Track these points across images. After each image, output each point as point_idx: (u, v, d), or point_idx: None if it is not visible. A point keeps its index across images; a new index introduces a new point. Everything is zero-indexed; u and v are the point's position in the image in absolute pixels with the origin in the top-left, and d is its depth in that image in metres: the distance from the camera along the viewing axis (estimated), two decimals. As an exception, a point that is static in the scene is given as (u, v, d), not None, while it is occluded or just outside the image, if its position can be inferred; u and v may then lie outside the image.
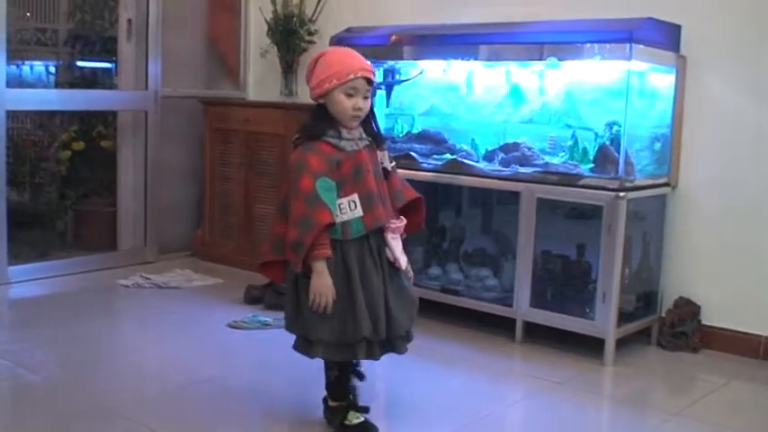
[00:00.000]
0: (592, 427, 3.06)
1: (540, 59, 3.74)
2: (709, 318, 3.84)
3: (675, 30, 3.79)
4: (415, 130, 4.45)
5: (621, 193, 3.53)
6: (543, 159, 3.88)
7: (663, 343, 3.85)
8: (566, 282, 3.79)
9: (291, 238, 2.51)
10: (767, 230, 3.69)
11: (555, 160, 3.86)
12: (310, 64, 2.64)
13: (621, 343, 3.68)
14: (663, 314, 3.90)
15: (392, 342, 2.65)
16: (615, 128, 3.69)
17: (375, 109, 2.72)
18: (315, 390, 2.93)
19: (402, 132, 4.50)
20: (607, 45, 3.56)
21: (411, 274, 2.77)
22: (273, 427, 2.88)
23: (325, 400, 2.81)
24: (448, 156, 4.13)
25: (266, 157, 4.98)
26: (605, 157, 3.69)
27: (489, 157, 4.05)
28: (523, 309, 3.81)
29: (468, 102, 4.29)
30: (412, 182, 4.11)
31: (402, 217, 2.73)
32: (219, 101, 5.36)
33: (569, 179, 3.70)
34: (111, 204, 5.32)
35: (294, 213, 2.51)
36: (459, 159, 4.06)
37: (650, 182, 3.79)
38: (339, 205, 2.55)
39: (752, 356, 3.72)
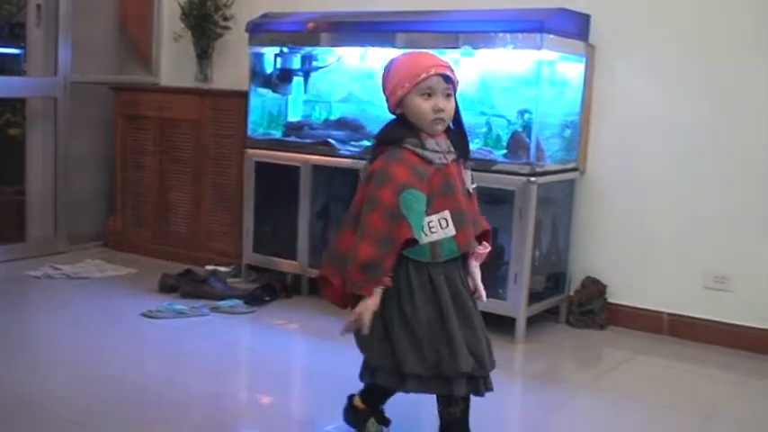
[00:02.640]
0: (504, 402, 3.16)
1: (456, 48, 3.84)
2: (615, 296, 4.02)
3: (585, 20, 3.95)
4: (332, 117, 4.50)
5: (532, 178, 3.66)
6: (459, 146, 3.97)
7: (571, 321, 4.02)
8: (481, 265, 3.89)
9: (364, 256, 2.20)
10: (668, 214, 3.89)
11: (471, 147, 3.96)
12: (382, 75, 2.36)
13: (532, 321, 3.83)
14: (571, 293, 4.07)
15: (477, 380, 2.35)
16: (527, 115, 3.82)
17: (459, 112, 2.37)
18: (230, 378, 2.96)
19: (320, 119, 4.54)
20: (519, 35, 3.68)
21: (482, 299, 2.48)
22: (189, 415, 2.86)
23: (350, 398, 2.63)
24: (366, 142, 4.19)
25: (181, 143, 4.95)
26: (517, 144, 3.82)
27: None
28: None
29: (384, 89, 4.35)
30: (331, 169, 4.22)
31: (486, 243, 2.45)
32: (131, 87, 5.29)
33: (483, 165, 3.80)
34: (20, 193, 5.19)
35: (370, 228, 2.21)
36: (376, 146, 4.12)
37: (560, 167, 3.94)
38: (428, 223, 2.25)
39: (655, 332, 3.92)
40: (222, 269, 4.54)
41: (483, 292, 2.44)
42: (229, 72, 5.06)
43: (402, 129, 2.30)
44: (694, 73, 3.80)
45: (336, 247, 2.35)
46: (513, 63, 3.91)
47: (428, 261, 2.27)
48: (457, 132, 2.36)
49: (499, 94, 4.01)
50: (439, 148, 2.29)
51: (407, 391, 2.33)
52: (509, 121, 3.93)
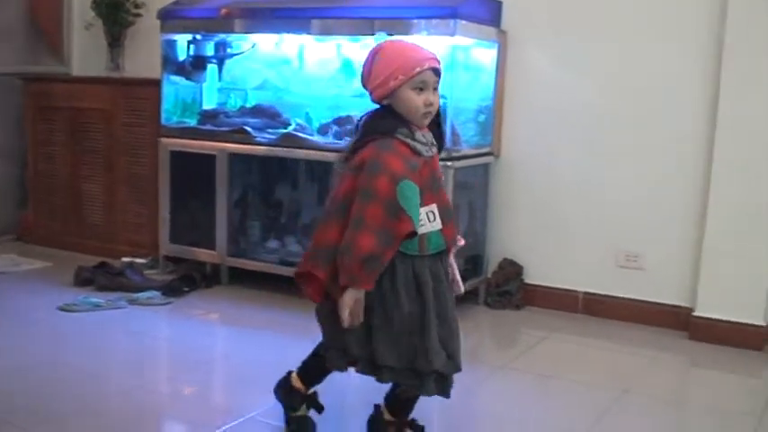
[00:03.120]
0: (427, 383, 3.22)
1: (371, 34, 3.85)
2: (532, 277, 4.12)
3: (497, 6, 4.01)
4: (248, 105, 4.47)
5: (449, 163, 3.70)
6: (375, 131, 3.99)
7: (489, 302, 4.10)
8: (399, 249, 3.94)
9: (365, 250, 2.11)
10: (581, 195, 3.99)
11: (386, 132, 3.98)
12: (366, 63, 2.28)
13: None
14: (489, 275, 4.14)
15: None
16: (442, 101, 3.83)
17: (440, 106, 2.34)
18: (150, 370, 2.92)
19: (235, 107, 4.50)
20: (433, 20, 3.72)
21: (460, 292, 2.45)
22: (109, 407, 2.83)
23: (288, 374, 2.57)
24: (282, 130, 4.18)
25: (93, 134, 4.85)
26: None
27: (323, 130, 4.13)
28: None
29: (301, 76, 4.35)
30: (248, 156, 4.20)
31: (459, 236, 2.42)
32: (41, 77, 5.16)
33: (400, 150, 3.84)
34: (-75, 188, 5.03)
35: (368, 220, 2.12)
36: (294, 133, 4.12)
37: (475, 152, 4.00)
38: None
39: (571, 311, 4.03)
40: (139, 261, 4.48)
41: (462, 285, 2.42)
42: (142, 60, 4.97)
43: (391, 119, 2.23)
44: (605, 58, 3.90)
45: (320, 240, 2.24)
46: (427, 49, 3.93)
47: (414, 254, 2.23)
48: (437, 126, 2.34)
49: (414, 80, 4.03)
50: (424, 141, 2.26)
51: (382, 381, 2.29)
52: (425, 107, 3.96)
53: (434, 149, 2.30)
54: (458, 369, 2.30)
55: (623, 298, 3.94)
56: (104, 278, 4.16)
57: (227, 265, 4.31)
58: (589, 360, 3.48)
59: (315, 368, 2.50)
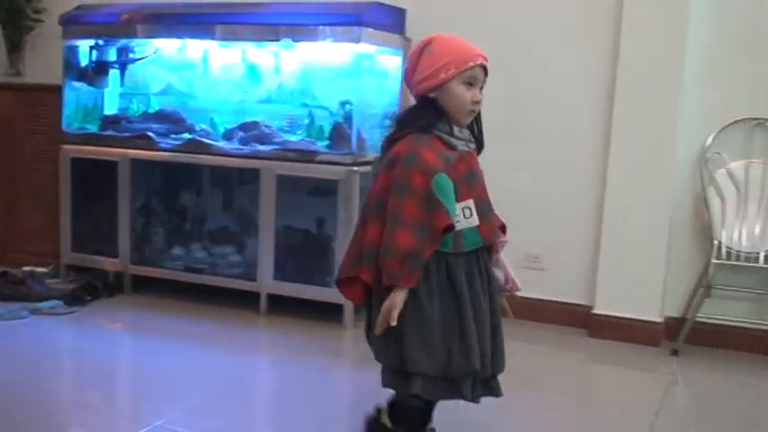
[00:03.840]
0: (334, 386, 3.26)
1: (276, 41, 3.87)
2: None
3: (400, 13, 4.08)
4: (151, 110, 4.42)
5: (355, 168, 3.75)
6: (282, 137, 4.02)
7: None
8: (307, 254, 3.96)
9: (403, 246, 2.02)
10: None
11: (293, 138, 4.01)
12: (413, 55, 2.20)
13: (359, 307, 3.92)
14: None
15: (489, 382, 2.22)
16: (348, 106, 3.90)
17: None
18: (54, 379, 2.86)
19: (138, 112, 4.44)
20: (338, 28, 3.76)
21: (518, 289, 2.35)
22: (13, 418, 2.75)
23: (377, 412, 2.38)
24: (186, 135, 4.15)
25: (-9, 140, 4.72)
26: (340, 135, 3.90)
27: (229, 135, 4.12)
28: (267, 282, 3.94)
29: (205, 81, 4.33)
30: (151, 163, 4.15)
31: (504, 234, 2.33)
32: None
33: (307, 156, 3.87)
34: None
35: (406, 215, 2.04)
36: (198, 139, 4.09)
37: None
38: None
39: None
40: (40, 270, 4.37)
41: (517, 282, 2.31)
42: (43, 66, 4.86)
43: (432, 114, 2.16)
44: (507, 63, 4.00)
45: (362, 241, 2.13)
46: (333, 55, 3.98)
47: (449, 251, 2.13)
48: (475, 121, 2.29)
49: (321, 86, 4.07)
50: (462, 136, 2.21)
51: (413, 395, 2.14)
52: (331, 113, 4.00)
53: (472, 146, 2.24)
54: (487, 371, 2.18)
55: (525, 298, 4.02)
56: (5, 288, 4.05)
57: (131, 273, 4.24)
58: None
59: (413, 410, 2.28)
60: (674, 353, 3.64)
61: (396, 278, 2.04)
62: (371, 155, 3.95)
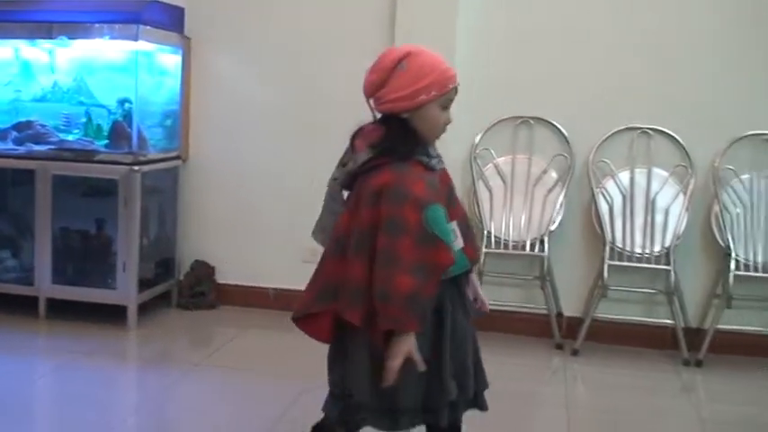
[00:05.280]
0: (119, 389, 3.24)
1: (50, 38, 3.76)
2: (225, 276, 4.23)
3: (179, 12, 4.07)
4: None
5: (136, 167, 3.71)
6: (58, 137, 3.90)
7: (183, 304, 4.15)
8: (87, 256, 3.88)
9: (405, 289, 1.87)
10: (269, 195, 4.16)
11: (70, 137, 3.91)
12: (383, 69, 2.02)
13: (144, 308, 3.89)
14: (181, 278, 4.20)
15: (476, 397, 2.14)
16: (127, 105, 3.85)
17: None
18: None
19: None
20: (116, 25, 3.72)
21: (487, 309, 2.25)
22: None
23: None
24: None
25: None
26: (119, 134, 3.84)
27: (2, 136, 3.94)
28: (45, 286, 3.82)
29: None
30: None
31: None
32: None
33: (85, 155, 3.79)
34: None
35: (402, 255, 1.88)
36: (-32, 139, 3.90)
37: (163, 155, 4.03)
38: None
39: (263, 307, 4.17)
40: None
41: (486, 301, 2.23)
42: None
43: (411, 138, 2.01)
44: (287, 62, 4.09)
45: (342, 278, 1.96)
46: (111, 53, 3.91)
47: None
48: None
49: (98, 84, 3.99)
50: (435, 154, 2.08)
51: (397, 430, 2.04)
52: (109, 111, 3.93)
53: (443, 161, 2.11)
54: (468, 393, 2.10)
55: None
56: None
57: None
58: (280, 354, 3.64)
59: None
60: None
61: (401, 323, 1.91)
62: (153, 154, 3.92)
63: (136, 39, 3.69)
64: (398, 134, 2.01)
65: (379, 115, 2.08)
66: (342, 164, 2.14)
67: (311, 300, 2.04)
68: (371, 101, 2.06)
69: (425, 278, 1.90)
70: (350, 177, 2.07)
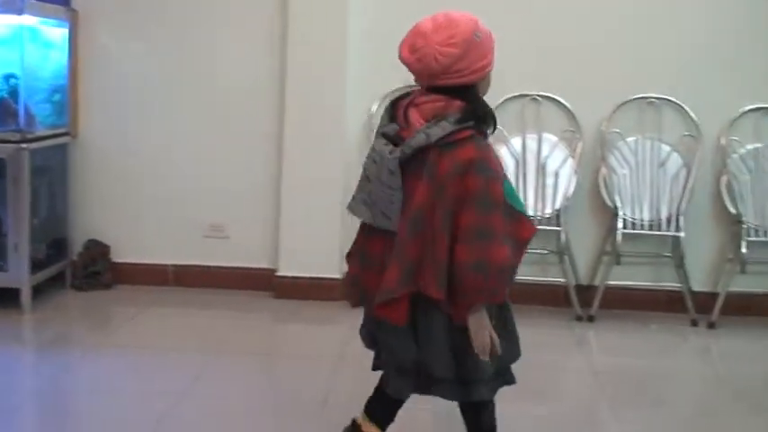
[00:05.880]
0: (17, 373, 3.15)
1: (-77, 11, 3.58)
2: (120, 255, 4.14)
3: (65, -16, 3.95)
4: None
5: (24, 145, 3.60)
6: (-62, 115, 3.74)
7: (77, 284, 4.05)
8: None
9: (501, 261, 1.88)
10: (164, 171, 4.10)
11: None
12: (467, 39, 1.92)
13: (38, 290, 3.78)
14: (75, 258, 4.09)
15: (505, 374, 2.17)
16: (13, 80, 3.72)
17: None
18: None
19: None
20: (-2, -2, 3.57)
21: None
22: None
23: (354, 423, 2.25)
24: None
25: None
26: (5, 110, 3.72)
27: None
28: None
29: None
30: None
31: None
32: None
33: (-32, 134, 3.64)
34: None
35: (497, 229, 1.88)
36: None
37: (52, 132, 3.91)
38: None
39: (162, 284, 4.12)
40: None
41: None
42: None
43: (489, 107, 2.01)
44: (175, 37, 4.03)
45: (406, 259, 1.95)
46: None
47: None
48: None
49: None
50: None
51: (476, 400, 2.08)
52: (-6, 88, 3.80)
53: None
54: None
55: (211, 266, 4.13)
56: None
57: None
58: (182, 329, 3.62)
59: (385, 404, 2.21)
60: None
61: (496, 295, 1.96)
62: (41, 131, 3.80)
63: (20, 12, 3.57)
64: (482, 105, 2.00)
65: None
66: (381, 134, 2.03)
67: (396, 283, 1.97)
68: (444, 77, 1.95)
69: (516, 250, 1.94)
70: (416, 151, 1.95)
